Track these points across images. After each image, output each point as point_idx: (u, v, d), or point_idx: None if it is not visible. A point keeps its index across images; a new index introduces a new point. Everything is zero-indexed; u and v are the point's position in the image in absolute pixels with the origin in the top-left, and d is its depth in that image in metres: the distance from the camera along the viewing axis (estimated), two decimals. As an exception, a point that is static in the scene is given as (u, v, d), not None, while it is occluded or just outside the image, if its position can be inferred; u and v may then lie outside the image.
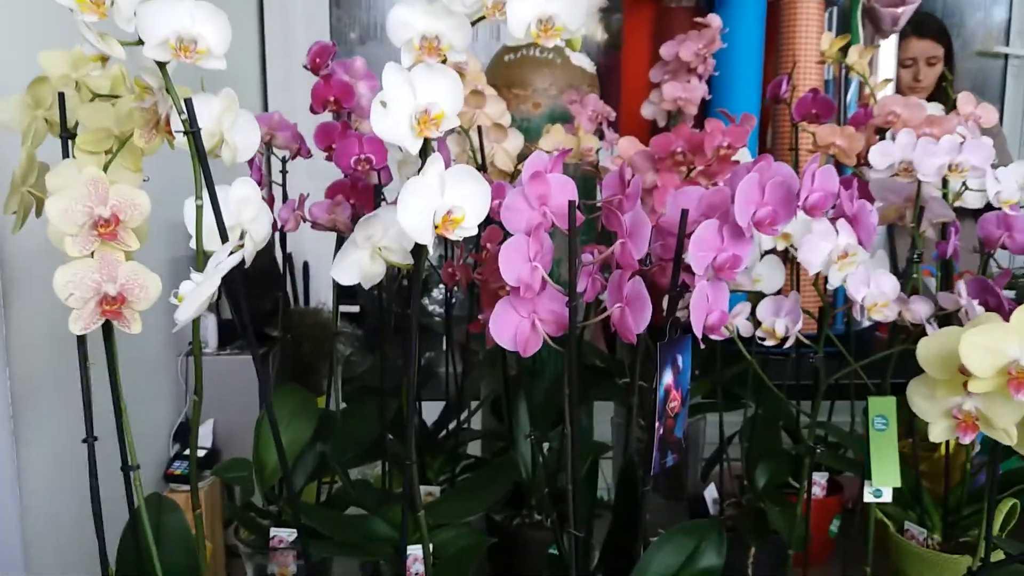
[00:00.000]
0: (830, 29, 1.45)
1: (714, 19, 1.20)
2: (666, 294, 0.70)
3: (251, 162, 1.06)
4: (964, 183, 0.78)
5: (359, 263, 0.68)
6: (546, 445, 1.22)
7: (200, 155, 0.60)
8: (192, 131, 0.60)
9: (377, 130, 0.60)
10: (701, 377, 1.49)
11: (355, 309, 2.02)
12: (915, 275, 0.82)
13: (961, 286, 0.77)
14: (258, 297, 1.63)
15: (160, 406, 1.59)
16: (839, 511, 1.25)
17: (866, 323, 1.64)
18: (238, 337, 1.67)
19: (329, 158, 0.92)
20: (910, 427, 1.03)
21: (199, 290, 0.56)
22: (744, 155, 0.94)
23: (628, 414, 1.09)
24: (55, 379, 1.07)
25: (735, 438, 1.28)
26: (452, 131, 1.03)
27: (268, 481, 1.03)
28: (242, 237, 0.63)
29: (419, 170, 0.62)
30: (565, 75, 1.40)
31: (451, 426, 1.26)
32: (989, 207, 0.99)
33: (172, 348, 1.62)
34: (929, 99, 2.28)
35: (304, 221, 0.93)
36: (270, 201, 1.02)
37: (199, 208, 0.61)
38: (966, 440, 0.61)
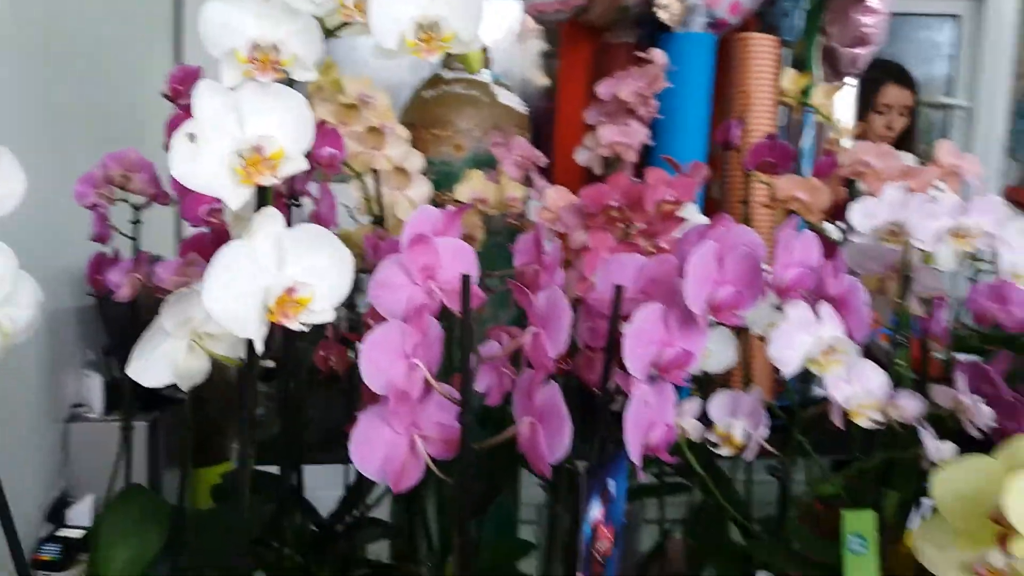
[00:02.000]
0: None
1: (658, 55, 1.05)
2: (593, 396, 0.53)
3: (93, 208, 0.87)
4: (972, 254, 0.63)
5: (171, 356, 0.49)
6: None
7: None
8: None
9: (178, 173, 0.42)
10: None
11: (268, 364, 1.83)
12: (900, 363, 0.67)
13: (960, 378, 0.62)
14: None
15: (31, 479, 1.36)
16: (800, 620, 1.08)
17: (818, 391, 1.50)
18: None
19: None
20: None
21: None
22: (691, 211, 0.78)
23: (551, 514, 0.92)
24: None
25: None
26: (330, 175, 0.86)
27: (109, 606, 0.82)
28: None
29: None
30: (491, 115, 1.25)
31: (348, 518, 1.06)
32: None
33: (49, 413, 1.39)
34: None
35: (147, 287, 0.74)
36: (113, 260, 0.83)
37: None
38: (998, 611, 0.44)
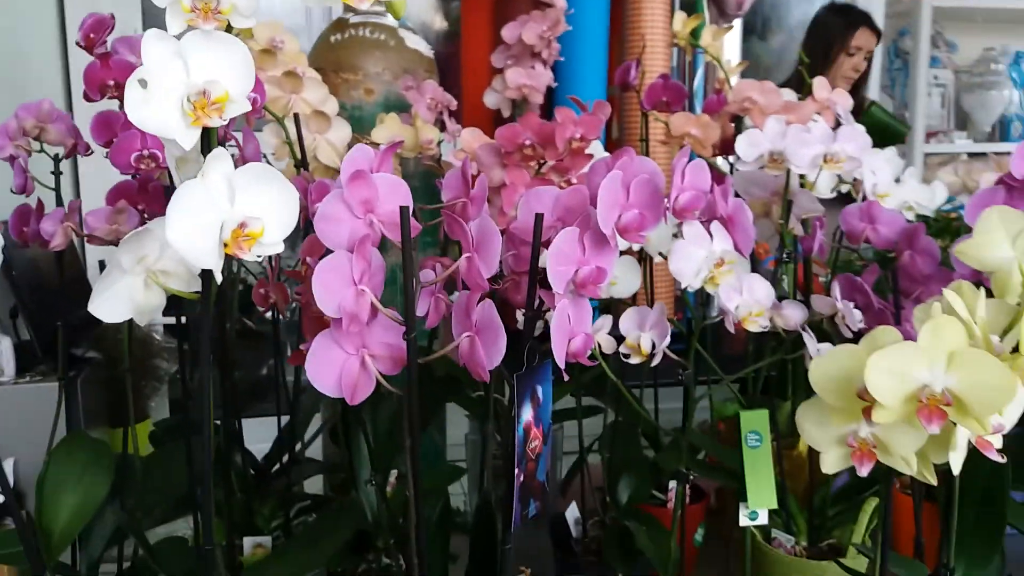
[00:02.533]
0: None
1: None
2: (520, 313, 0.59)
3: (11, 161, 0.86)
4: (839, 176, 0.72)
5: (129, 293, 0.52)
6: (394, 473, 1.09)
7: None
8: None
9: (135, 118, 0.45)
10: (557, 383, 1.41)
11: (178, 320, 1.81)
12: (784, 276, 0.76)
13: (835, 287, 0.71)
14: (64, 312, 1.40)
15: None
16: (703, 519, 1.19)
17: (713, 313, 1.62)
18: (40, 361, 1.43)
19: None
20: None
21: None
22: (596, 148, 0.84)
23: (483, 434, 0.98)
24: None
25: (594, 446, 1.21)
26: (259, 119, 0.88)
27: (57, 551, 0.84)
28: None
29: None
30: (400, 59, 1.27)
31: (285, 458, 1.10)
32: (845, 197, 0.95)
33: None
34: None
35: (79, 235, 0.75)
36: (39, 210, 0.83)
37: None
38: (864, 472, 0.53)
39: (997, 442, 0.54)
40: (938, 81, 3.37)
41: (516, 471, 0.58)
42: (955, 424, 0.50)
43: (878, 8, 2.89)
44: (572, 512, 1.09)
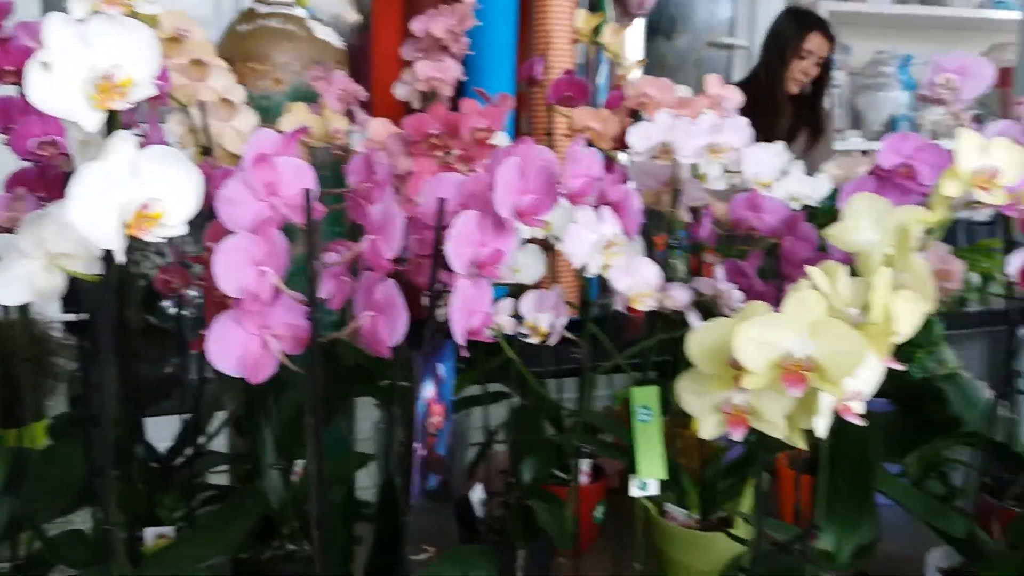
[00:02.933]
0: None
1: (465, -7, 1.13)
2: (424, 295, 0.61)
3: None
4: (723, 166, 0.77)
5: (29, 276, 0.53)
6: (301, 462, 1.10)
7: None
8: None
9: (36, 100, 0.45)
10: (465, 370, 1.44)
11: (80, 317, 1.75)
12: (673, 260, 0.81)
13: (718, 271, 0.76)
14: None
15: None
16: (603, 497, 1.24)
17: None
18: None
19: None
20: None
21: None
22: (502, 140, 0.88)
23: (389, 419, 1.01)
24: None
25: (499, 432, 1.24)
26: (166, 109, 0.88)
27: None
28: None
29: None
30: (309, 50, 1.27)
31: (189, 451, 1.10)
32: (736, 189, 1.01)
33: None
34: (799, 99, 2.45)
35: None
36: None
37: None
38: (736, 436, 0.58)
39: (858, 408, 0.59)
40: (834, 82, 3.54)
41: (416, 445, 0.61)
42: (817, 391, 0.56)
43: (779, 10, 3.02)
44: (477, 493, 1.12)
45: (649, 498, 1.16)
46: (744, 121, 0.77)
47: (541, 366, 1.28)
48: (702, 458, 1.13)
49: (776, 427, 0.58)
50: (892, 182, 0.77)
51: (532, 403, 1.25)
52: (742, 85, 2.49)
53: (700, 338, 0.56)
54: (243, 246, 0.53)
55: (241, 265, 0.53)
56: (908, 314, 0.53)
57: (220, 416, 1.18)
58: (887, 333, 0.51)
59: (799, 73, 2.40)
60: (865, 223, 0.64)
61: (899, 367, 0.53)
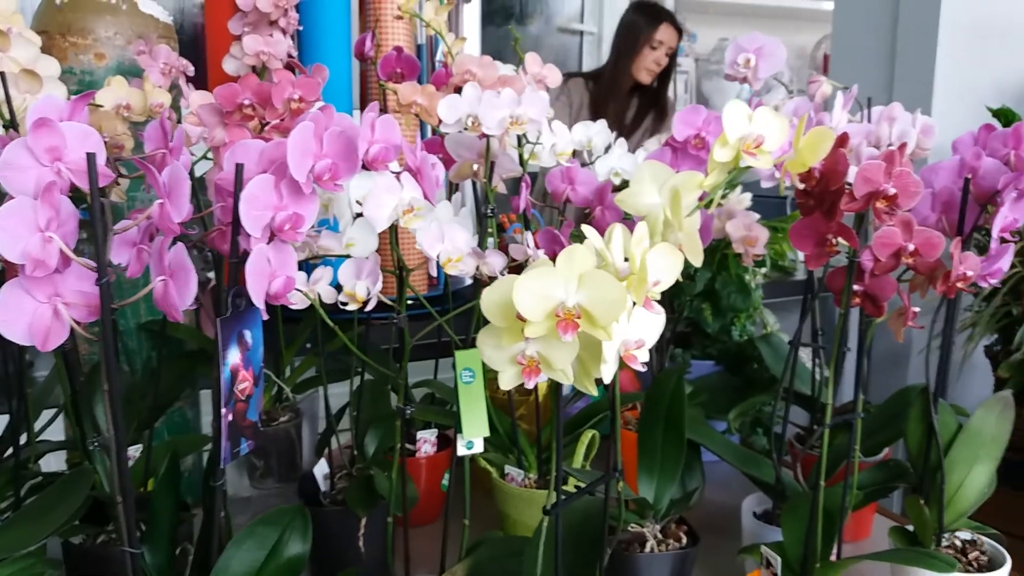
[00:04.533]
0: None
1: (292, -32, 1.12)
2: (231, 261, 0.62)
3: None
4: (524, 137, 0.81)
5: None
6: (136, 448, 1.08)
7: None
8: None
9: None
10: (313, 350, 1.44)
11: None
12: (490, 230, 0.84)
13: (529, 237, 0.80)
14: None
15: None
16: (449, 466, 1.28)
17: (468, 281, 1.71)
18: None
19: None
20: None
21: None
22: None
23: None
24: None
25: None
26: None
27: None
28: None
29: None
30: (133, 24, 1.23)
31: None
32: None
33: None
34: (648, 89, 2.53)
35: None
36: None
37: None
38: (531, 384, 0.62)
39: (643, 356, 0.64)
40: (681, 68, 3.72)
41: (224, 411, 0.62)
42: (600, 342, 0.60)
43: (626, -1, 3.13)
44: (321, 468, 1.13)
45: (491, 463, 1.21)
46: (544, 95, 0.81)
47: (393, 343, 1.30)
48: (538, 422, 1.18)
49: (565, 375, 0.62)
50: (687, 152, 0.84)
51: (377, 378, 1.27)
52: (597, 73, 2.60)
53: (491, 294, 0.59)
54: (24, 211, 0.52)
55: (23, 231, 0.52)
56: (668, 266, 0.58)
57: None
58: (643, 281, 0.56)
59: (651, 63, 2.51)
60: (648, 188, 0.69)
61: (657, 313, 0.58)
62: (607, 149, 1.19)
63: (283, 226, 0.58)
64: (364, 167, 0.64)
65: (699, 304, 1.43)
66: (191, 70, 1.15)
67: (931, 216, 0.89)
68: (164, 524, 0.78)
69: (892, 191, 0.67)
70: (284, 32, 1.18)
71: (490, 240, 0.85)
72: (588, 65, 3.03)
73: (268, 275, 0.59)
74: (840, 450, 1.02)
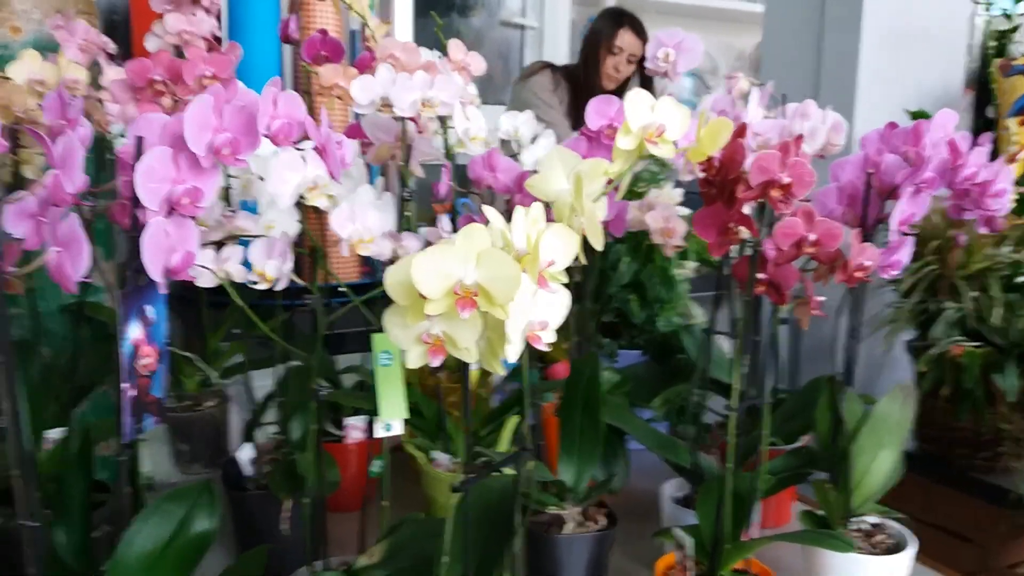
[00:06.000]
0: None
1: (214, -54, 1.10)
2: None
3: None
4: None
5: None
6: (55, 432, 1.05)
7: None
8: None
9: None
10: (240, 335, 1.42)
11: None
12: (408, 213, 0.85)
13: (444, 220, 0.81)
14: None
15: None
16: (380, 452, 1.28)
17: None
18: None
19: None
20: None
21: None
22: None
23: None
24: None
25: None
26: None
27: None
28: None
29: None
30: (51, -2, 1.20)
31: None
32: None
33: None
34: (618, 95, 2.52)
35: None
36: None
37: None
38: (436, 363, 0.63)
39: (548, 337, 0.65)
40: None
41: (125, 386, 0.61)
42: (502, 322, 0.61)
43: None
44: (245, 452, 1.12)
45: (420, 448, 1.22)
46: (459, 79, 0.82)
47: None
48: (466, 408, 1.19)
49: (470, 353, 0.63)
50: (600, 142, 0.85)
51: (304, 363, 1.26)
52: (566, 78, 2.59)
53: (394, 273, 0.59)
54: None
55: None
56: (563, 247, 0.59)
57: None
58: (535, 260, 0.57)
59: (611, 69, 2.51)
60: (557, 174, 0.71)
61: (554, 292, 0.59)
62: (533, 140, 1.21)
63: (181, 199, 0.58)
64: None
65: (626, 295, 1.45)
66: (111, 47, 1.13)
67: (837, 208, 0.93)
68: (74, 504, 0.76)
69: (787, 180, 0.69)
70: (207, 11, 1.17)
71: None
72: (529, 59, 3.04)
73: (167, 249, 0.59)
74: (759, 437, 1.05)
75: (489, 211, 0.59)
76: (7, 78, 0.91)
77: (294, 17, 1.10)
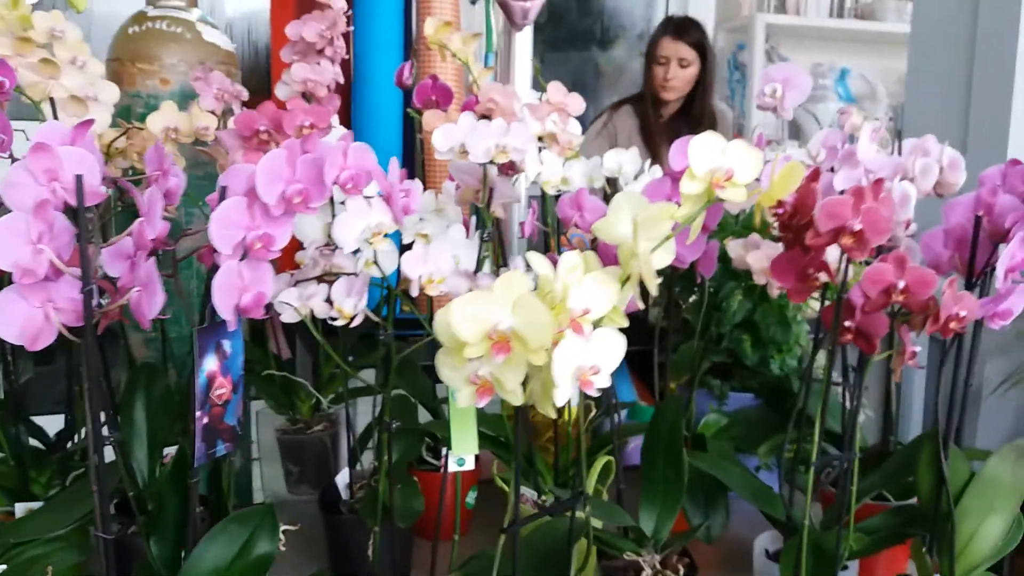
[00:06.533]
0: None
1: (336, 0, 1.19)
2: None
3: None
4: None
5: None
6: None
7: None
8: None
9: None
10: (352, 363, 1.49)
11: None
12: (486, 254, 0.87)
13: (519, 261, 0.82)
14: None
15: None
16: (475, 483, 1.30)
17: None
18: None
19: None
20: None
21: None
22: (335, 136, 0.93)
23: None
24: None
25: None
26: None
27: None
28: None
29: None
30: (196, 51, 1.33)
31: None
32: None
33: None
34: (689, 105, 2.50)
35: None
36: None
37: None
38: (482, 402, 0.64)
39: (601, 382, 0.65)
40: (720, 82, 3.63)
41: (199, 414, 0.67)
42: (550, 366, 0.62)
43: (709, 22, 3.11)
44: (342, 477, 1.18)
45: (507, 481, 1.23)
46: (532, 127, 0.83)
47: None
48: (556, 447, 1.19)
49: (515, 395, 0.64)
50: (682, 182, 0.84)
51: (407, 391, 1.31)
52: (637, 96, 2.57)
53: (441, 317, 0.61)
54: (18, 226, 0.59)
55: (16, 243, 0.59)
56: (601, 295, 0.59)
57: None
58: (564, 309, 0.57)
59: (661, 78, 2.45)
60: (623, 217, 0.70)
61: (581, 336, 0.59)
62: (637, 176, 1.20)
63: (253, 245, 0.63)
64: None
65: (739, 335, 1.41)
66: (244, 95, 1.23)
67: (944, 252, 0.87)
68: (169, 517, 0.83)
69: (858, 227, 0.66)
70: (332, 60, 1.25)
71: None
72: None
73: (237, 289, 0.64)
74: (869, 491, 0.99)
75: (534, 257, 0.60)
76: (141, 128, 1.02)
77: (408, 65, 1.15)
